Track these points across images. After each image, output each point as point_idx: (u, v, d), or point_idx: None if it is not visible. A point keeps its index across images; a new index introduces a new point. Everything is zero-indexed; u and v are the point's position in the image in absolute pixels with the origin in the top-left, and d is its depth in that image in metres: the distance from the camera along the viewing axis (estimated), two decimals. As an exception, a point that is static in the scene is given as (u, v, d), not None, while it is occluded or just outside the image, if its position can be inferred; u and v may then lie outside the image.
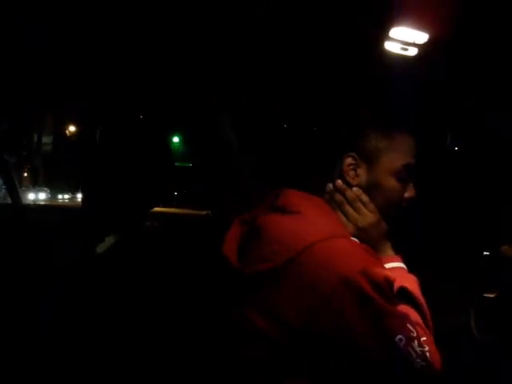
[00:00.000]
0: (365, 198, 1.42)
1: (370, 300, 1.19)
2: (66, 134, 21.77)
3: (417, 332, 1.22)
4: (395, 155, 1.43)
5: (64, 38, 2.84)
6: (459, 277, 2.67)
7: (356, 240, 1.37)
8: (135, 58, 3.01)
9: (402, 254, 1.56)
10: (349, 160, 1.45)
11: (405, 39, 2.25)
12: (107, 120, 2.67)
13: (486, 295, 2.06)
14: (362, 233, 1.41)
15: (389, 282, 1.24)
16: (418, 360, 1.19)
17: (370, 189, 1.43)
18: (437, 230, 4.09)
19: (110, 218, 2.18)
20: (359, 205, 1.42)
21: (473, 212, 3.87)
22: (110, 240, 2.10)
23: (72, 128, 20.88)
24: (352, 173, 1.45)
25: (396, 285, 1.31)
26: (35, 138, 24.26)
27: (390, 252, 1.49)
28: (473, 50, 2.41)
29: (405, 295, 1.35)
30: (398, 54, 2.34)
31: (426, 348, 1.22)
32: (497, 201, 3.42)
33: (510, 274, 1.93)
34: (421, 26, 2.18)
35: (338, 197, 1.44)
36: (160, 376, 1.99)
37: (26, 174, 26.12)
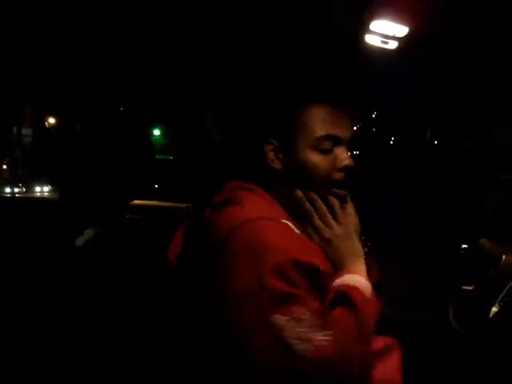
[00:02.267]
0: (337, 207, 1.40)
1: (266, 282, 1.19)
2: (45, 126, 21.61)
3: (309, 320, 1.19)
4: (310, 129, 1.33)
5: (45, 32, 2.82)
6: (438, 269, 2.69)
7: (289, 224, 1.34)
8: (117, 51, 2.99)
9: (384, 244, 1.56)
10: (268, 147, 1.43)
11: (385, 32, 2.26)
12: (87, 112, 2.64)
13: (464, 287, 2.08)
14: (326, 244, 1.39)
15: (299, 265, 1.22)
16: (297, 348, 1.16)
17: (299, 169, 1.36)
18: (416, 222, 4.11)
19: (89, 210, 2.17)
20: (327, 215, 1.40)
21: (452, 205, 3.90)
22: (89, 233, 2.09)
23: (52, 120, 20.73)
24: (274, 158, 1.43)
25: (340, 289, 1.29)
26: (15, 130, 24.04)
27: (358, 267, 1.44)
28: (453, 43, 2.42)
29: (342, 300, 1.32)
30: (378, 47, 2.34)
31: (314, 339, 1.19)
32: (476, 195, 3.45)
33: (488, 266, 1.94)
34: (401, 20, 2.18)
35: (307, 206, 1.43)
36: (144, 367, 1.98)
37: (5, 166, 25.85)
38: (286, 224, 1.35)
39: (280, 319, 1.21)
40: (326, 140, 1.40)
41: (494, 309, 1.82)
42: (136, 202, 2.44)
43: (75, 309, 1.92)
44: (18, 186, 24.93)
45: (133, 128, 2.61)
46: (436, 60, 2.63)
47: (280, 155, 1.45)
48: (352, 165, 1.41)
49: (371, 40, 2.31)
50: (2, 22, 2.58)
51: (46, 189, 25.18)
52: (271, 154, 1.46)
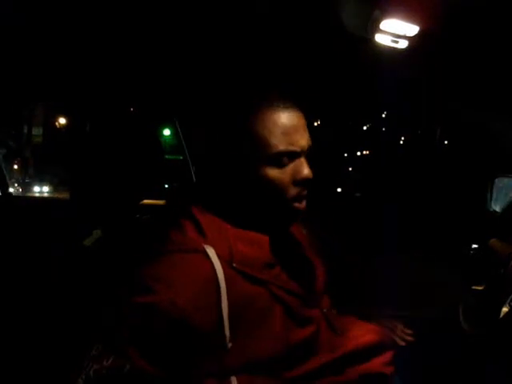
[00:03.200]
0: None
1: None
2: (56, 125, 21.68)
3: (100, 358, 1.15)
4: (264, 142, 1.23)
5: (54, 30, 2.83)
6: (448, 269, 2.69)
7: (205, 254, 1.21)
8: (126, 51, 3.00)
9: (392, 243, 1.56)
10: (218, 159, 1.31)
11: (395, 32, 2.25)
12: (97, 112, 2.65)
13: (474, 287, 2.07)
14: None
15: (150, 313, 1.15)
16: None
17: (252, 185, 1.27)
18: (426, 222, 4.10)
19: (99, 210, 2.17)
20: None
21: (462, 204, 3.89)
22: (97, 233, 2.09)
23: (62, 120, 20.79)
24: (223, 171, 1.30)
25: None
26: (25, 130, 24.12)
27: None
28: (464, 42, 2.41)
29: None
30: (388, 47, 2.34)
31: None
32: (486, 193, 3.43)
33: (498, 266, 1.94)
34: (412, 19, 2.17)
35: None
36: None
37: (16, 167, 25.91)
38: (196, 256, 1.21)
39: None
40: (284, 155, 1.26)
41: (505, 309, 1.81)
42: (146, 201, 2.44)
43: (78, 309, 1.93)
44: (15, 187, 24.72)
45: (143, 128, 2.62)
46: (446, 59, 2.62)
47: (230, 168, 1.29)
48: (311, 177, 1.27)
49: (381, 39, 2.30)
50: (6, 22, 2.60)
51: (46, 189, 24.93)
52: (220, 167, 1.30)
